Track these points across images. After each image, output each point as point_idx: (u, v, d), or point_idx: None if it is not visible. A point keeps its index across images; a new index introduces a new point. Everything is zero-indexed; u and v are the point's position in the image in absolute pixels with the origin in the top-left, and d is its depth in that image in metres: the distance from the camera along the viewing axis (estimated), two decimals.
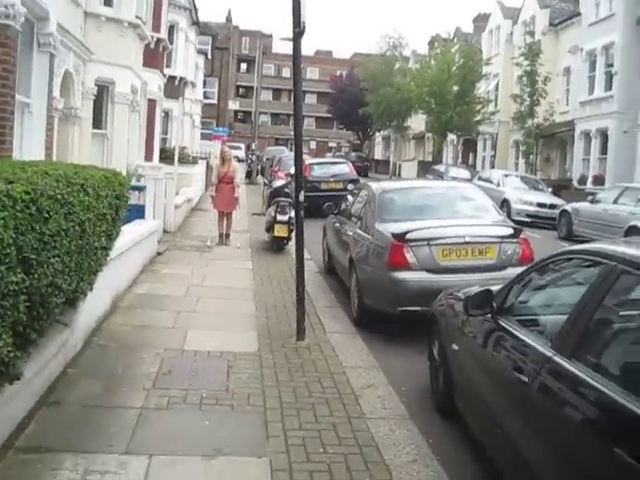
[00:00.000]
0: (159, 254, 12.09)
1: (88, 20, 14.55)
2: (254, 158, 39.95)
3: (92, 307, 6.81)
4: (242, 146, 64.30)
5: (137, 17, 16.02)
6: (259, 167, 39.60)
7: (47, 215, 4.38)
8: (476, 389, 4.59)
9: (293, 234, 10.63)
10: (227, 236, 14.00)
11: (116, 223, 6.84)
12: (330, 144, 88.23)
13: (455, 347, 5.12)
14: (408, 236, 7.76)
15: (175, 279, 9.95)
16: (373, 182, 10.81)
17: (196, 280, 10.14)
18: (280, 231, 13.07)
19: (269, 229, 13.77)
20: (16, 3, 7.75)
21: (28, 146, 9.10)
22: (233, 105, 59.26)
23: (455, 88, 40.93)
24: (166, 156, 21.42)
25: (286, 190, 14.21)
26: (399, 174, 52.56)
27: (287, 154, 36.35)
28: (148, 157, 19.70)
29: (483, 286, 5.05)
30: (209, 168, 26.45)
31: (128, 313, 8.03)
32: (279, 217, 13.07)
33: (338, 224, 10.67)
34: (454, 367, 5.23)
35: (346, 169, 23.07)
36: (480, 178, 26.68)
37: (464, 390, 4.99)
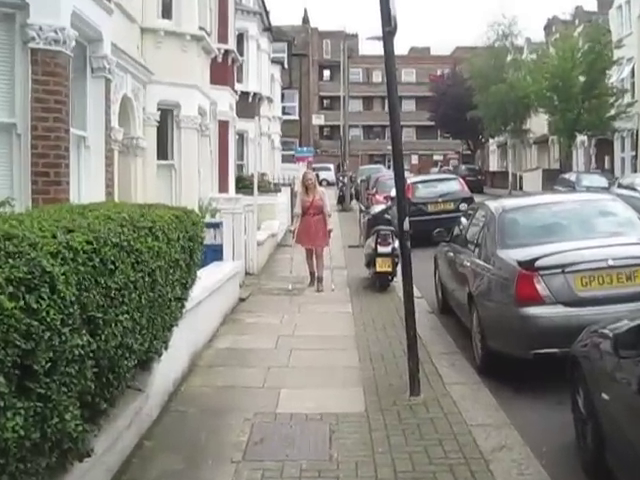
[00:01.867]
0: (242, 300, 12.18)
1: (145, 37, 14.82)
2: (346, 180, 40.13)
3: (168, 368, 6.88)
4: (331, 167, 68.25)
5: (200, 28, 16.22)
6: (352, 190, 40.40)
7: (112, 266, 4.46)
8: (634, 446, 4.43)
9: (398, 268, 10.92)
10: (319, 279, 14.06)
11: (191, 269, 6.89)
12: (435, 157, 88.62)
13: (605, 396, 4.97)
14: (538, 263, 7.63)
15: (262, 329, 10.00)
16: (490, 200, 10.78)
17: (287, 329, 10.17)
18: (383, 265, 13.01)
19: (369, 264, 13.72)
20: (66, 27, 7.99)
21: (86, 185, 9.32)
22: (317, 120, 60.66)
23: (581, 79, 40.25)
24: (243, 185, 21.64)
25: (387, 216, 14.20)
26: (520, 187, 52.08)
27: (384, 173, 37.28)
28: (223, 188, 19.87)
29: (635, 319, 4.90)
30: (294, 195, 26.66)
31: (209, 372, 8.08)
32: (380, 249, 13.00)
33: (452, 253, 10.60)
34: (605, 420, 5.07)
35: (456, 186, 23.12)
36: (620, 186, 25.98)
37: (619, 447, 4.84)
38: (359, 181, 39.63)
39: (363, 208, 20.48)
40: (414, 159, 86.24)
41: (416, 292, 8.80)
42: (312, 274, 14.20)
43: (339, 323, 10.59)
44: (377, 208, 15.71)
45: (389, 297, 12.76)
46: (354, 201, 38.62)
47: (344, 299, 12.63)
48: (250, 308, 11.65)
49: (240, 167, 27.83)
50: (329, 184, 62.28)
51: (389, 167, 66.65)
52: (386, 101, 8.02)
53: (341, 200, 39.11)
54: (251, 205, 16.02)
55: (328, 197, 14.65)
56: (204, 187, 16.95)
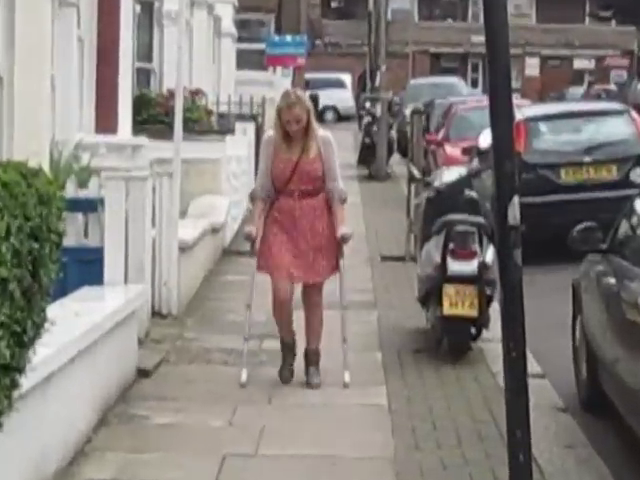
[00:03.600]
0: (144, 374, 8.57)
1: None
2: (378, 110, 24.16)
3: None
4: (346, 80, 45.97)
5: None
6: (394, 134, 25.61)
7: None
8: None
9: (493, 308, 8.26)
10: (311, 358, 8.02)
11: (34, 302, 4.96)
12: (577, 63, 55.08)
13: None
14: None
15: (187, 440, 7.06)
16: None
17: (242, 443, 7.00)
18: (459, 303, 8.93)
19: (428, 298, 9.43)
20: None
21: None
22: None
23: None
24: (151, 117, 15.44)
25: (469, 193, 9.68)
26: None
27: (466, 97, 25.49)
28: (105, 122, 13.43)
29: None
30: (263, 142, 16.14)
31: None
32: (455, 266, 8.88)
33: (613, 279, 7.48)
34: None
35: (625, 129, 14.67)
36: None
37: None
38: (408, 113, 19.73)
39: (417, 174, 13.56)
40: (531, 66, 53.22)
41: (532, 365, 7.53)
42: (288, 346, 8.02)
43: (358, 431, 7.29)
44: (449, 176, 10.39)
45: (471, 374, 8.81)
46: (396, 158, 25.34)
47: (371, 376, 8.80)
48: (163, 392, 8.15)
49: (145, 77, 17.70)
50: (341, 118, 43.43)
51: (475, 83, 47.53)
52: None
53: (367, 156, 24.02)
54: (169, 162, 10.76)
55: (337, 154, 8.07)
56: (64, 118, 11.89)
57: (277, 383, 8.21)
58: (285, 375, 7.64)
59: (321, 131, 7.68)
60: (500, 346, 4.96)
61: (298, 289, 8.06)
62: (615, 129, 14.52)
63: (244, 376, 7.52)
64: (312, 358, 7.74)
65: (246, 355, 7.97)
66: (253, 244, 7.61)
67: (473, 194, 9.52)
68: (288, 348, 7.77)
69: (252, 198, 7.91)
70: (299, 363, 7.89)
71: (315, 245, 7.48)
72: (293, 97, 7.43)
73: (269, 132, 7.98)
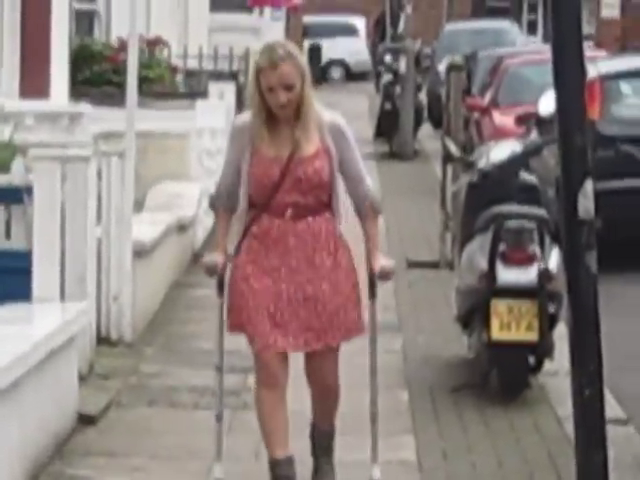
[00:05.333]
0: (87, 421, 7.75)
1: None
2: (403, 66, 21.62)
3: None
4: (358, 24, 40.69)
5: None
6: (423, 97, 23.85)
7: None
8: None
9: (559, 331, 7.58)
10: (323, 445, 6.06)
11: None
12: None
13: None
14: None
15: None
16: None
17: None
18: (512, 324, 8.22)
19: (470, 317, 8.74)
20: None
21: None
22: None
23: None
24: (95, 76, 13.90)
25: (527, 178, 8.82)
26: None
27: (520, 47, 22.97)
28: (33, 82, 12.61)
29: None
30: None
31: None
32: (507, 275, 8.22)
33: None
34: None
35: None
36: None
37: None
38: (442, 69, 18.83)
39: (455, 151, 12.67)
40: (608, 5, 43.91)
41: (613, 406, 6.73)
42: (283, 465, 5.70)
43: None
44: (498, 153, 9.44)
45: (529, 420, 7.97)
46: (427, 129, 23.01)
47: (396, 425, 7.53)
48: (111, 445, 7.37)
49: (86, 21, 15.64)
50: (352, 76, 38.79)
51: (533, 27, 40.73)
52: None
53: (388, 126, 21.36)
54: (120, 135, 9.78)
55: (356, 146, 5.91)
56: None
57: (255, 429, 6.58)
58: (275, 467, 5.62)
59: (327, 114, 5.65)
60: (568, 382, 4.53)
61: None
62: None
63: (218, 471, 5.68)
64: (322, 442, 5.90)
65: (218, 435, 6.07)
66: (220, 280, 5.68)
67: (531, 178, 8.69)
68: (282, 470, 5.61)
69: (213, 207, 5.84)
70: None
71: (321, 291, 5.49)
72: (280, 50, 5.38)
73: (241, 116, 6.08)
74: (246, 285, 5.27)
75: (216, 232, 5.91)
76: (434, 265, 11.81)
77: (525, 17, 41.71)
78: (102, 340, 8.78)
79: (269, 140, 5.31)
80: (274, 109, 5.14)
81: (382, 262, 5.48)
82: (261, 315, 5.30)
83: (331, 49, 37.18)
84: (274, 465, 5.36)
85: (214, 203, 5.59)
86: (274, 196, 5.30)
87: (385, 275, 5.56)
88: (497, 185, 8.63)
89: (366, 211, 5.44)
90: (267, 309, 5.31)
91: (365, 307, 5.59)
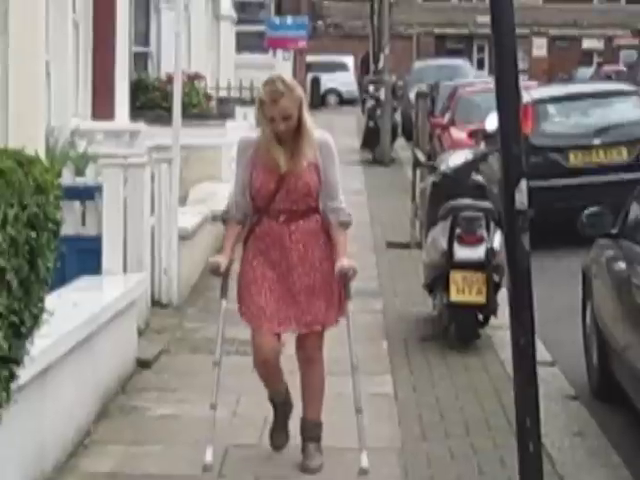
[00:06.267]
0: (144, 365, 8.58)
1: None
2: (383, 94, 24.92)
3: None
4: (349, 62, 47.60)
5: None
6: (398, 117, 26.77)
7: None
8: None
9: (501, 295, 8.29)
10: (311, 434, 6.27)
11: (31, 292, 4.92)
12: (586, 42, 56.41)
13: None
14: None
15: (188, 431, 6.93)
16: None
17: (246, 433, 6.89)
18: (466, 289, 9.00)
19: (435, 284, 9.61)
20: None
21: None
22: None
23: None
24: (149, 102, 15.69)
25: (476, 178, 9.84)
26: None
27: (471, 80, 26.06)
28: (102, 108, 13.79)
29: None
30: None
31: None
32: (462, 252, 8.98)
33: (624, 264, 7.58)
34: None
35: (636, 110, 15.04)
36: None
37: None
38: (412, 96, 20.85)
39: (422, 158, 14.01)
40: (539, 47, 55.02)
41: (542, 352, 7.65)
42: (280, 404, 6.37)
43: (367, 420, 6.80)
44: (455, 160, 10.57)
45: (479, 362, 8.89)
46: (401, 142, 26.14)
47: (377, 363, 8.78)
48: (163, 382, 8.15)
49: (142, 61, 18.16)
50: (344, 101, 45.21)
51: (481, 64, 48.60)
52: None
53: (371, 140, 24.78)
54: (168, 148, 10.90)
55: (338, 162, 6.30)
56: (60, 105, 12.20)
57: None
58: (277, 441, 6.16)
59: (318, 132, 6.01)
60: (508, 333, 5.03)
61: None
62: (625, 111, 14.75)
63: (209, 455, 5.90)
64: (311, 432, 6.15)
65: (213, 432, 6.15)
66: (224, 281, 6.05)
67: (480, 178, 9.74)
68: (281, 407, 6.26)
69: (223, 220, 6.29)
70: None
71: (310, 283, 5.92)
72: (280, 85, 5.69)
73: (247, 135, 6.44)
74: (252, 273, 5.86)
75: (224, 239, 6.24)
76: (406, 245, 13.33)
77: (475, 56, 50.22)
78: (155, 303, 9.96)
79: (268, 157, 5.77)
80: (275, 134, 5.66)
81: (344, 263, 5.76)
82: (259, 302, 5.85)
83: (328, 81, 43.49)
84: (272, 400, 6.20)
85: (225, 217, 6.12)
86: (271, 203, 5.80)
87: (344, 274, 5.82)
88: (454, 184, 9.72)
89: (335, 222, 5.87)
90: (263, 297, 5.83)
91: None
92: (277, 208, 5.80)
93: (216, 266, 5.84)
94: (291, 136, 5.67)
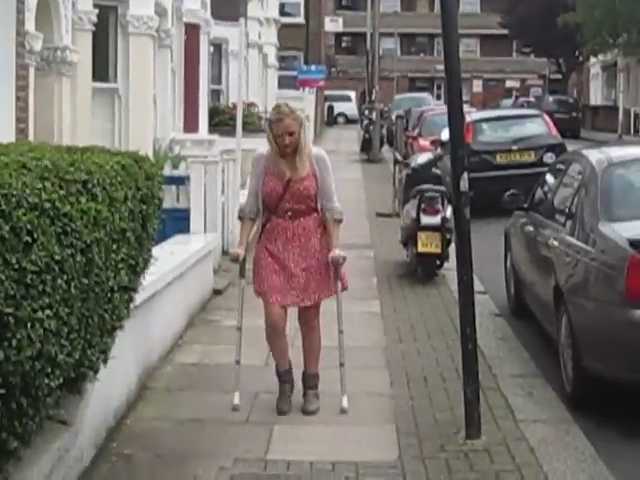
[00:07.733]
0: (217, 293, 10.38)
1: None
2: (374, 116, 32.61)
3: (107, 391, 5.94)
4: (352, 95, 63.22)
5: None
6: (384, 131, 34.27)
7: (29, 238, 3.91)
8: None
9: (451, 248, 9.79)
10: (310, 384, 6.88)
11: (143, 245, 5.94)
12: (508, 83, 75.60)
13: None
14: None
15: (247, 336, 7.53)
16: (591, 149, 9.88)
17: (270, 377, 8.01)
18: (428, 244, 10.95)
19: (408, 241, 11.63)
20: None
21: None
22: (332, 25, 50.92)
23: None
24: (221, 122, 19.72)
25: (435, 171, 12.21)
26: (636, 131, 42.76)
27: (432, 106, 34.12)
28: (190, 125, 17.36)
29: None
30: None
31: (167, 399, 6.89)
32: (425, 219, 10.96)
33: (531, 227, 9.16)
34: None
35: (539, 127, 19.71)
36: None
37: None
38: (394, 117, 28.49)
39: (400, 158, 17.29)
40: (477, 86, 72.48)
41: (477, 285, 8.42)
42: (284, 376, 6.81)
43: (362, 329, 8.88)
44: (421, 159, 13.19)
45: (437, 291, 10.85)
46: (386, 147, 32.96)
47: (370, 293, 10.64)
48: (230, 304, 9.46)
49: (216, 94, 25.12)
50: (348, 121, 58.82)
51: (439, 97, 61.21)
52: None
53: (366, 146, 32.36)
54: (232, 151, 13.41)
55: (332, 172, 6.84)
56: (163, 123, 15.12)
57: None
58: (282, 407, 6.68)
59: (315, 149, 6.89)
60: (456, 273, 6.43)
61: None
62: (533, 127, 19.93)
63: (237, 398, 6.68)
64: (310, 382, 6.86)
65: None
66: (241, 266, 6.81)
67: (438, 171, 12.47)
68: (284, 378, 6.82)
69: (240, 217, 6.98)
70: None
71: (308, 267, 6.60)
72: (284, 108, 6.46)
73: (259, 150, 7.03)
74: (264, 260, 6.58)
75: (240, 233, 6.94)
76: (390, 215, 17.10)
77: (435, 91, 68.43)
78: (224, 253, 11.96)
79: (276, 167, 6.47)
80: (281, 147, 6.36)
81: (335, 252, 6.51)
82: (269, 281, 6.52)
83: (339, 107, 59.49)
84: (278, 371, 6.81)
85: (240, 215, 6.85)
86: (278, 204, 6.52)
87: (335, 262, 6.55)
88: (420, 175, 12.13)
89: (331, 219, 6.55)
90: (272, 278, 6.51)
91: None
92: (283, 208, 6.54)
93: (236, 255, 6.71)
94: (294, 150, 6.41)
